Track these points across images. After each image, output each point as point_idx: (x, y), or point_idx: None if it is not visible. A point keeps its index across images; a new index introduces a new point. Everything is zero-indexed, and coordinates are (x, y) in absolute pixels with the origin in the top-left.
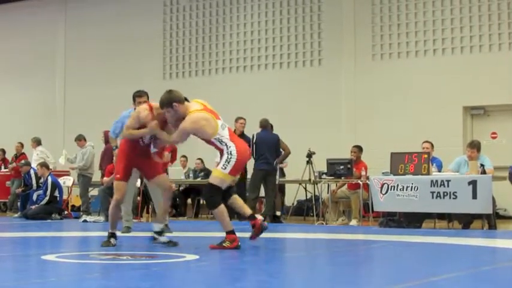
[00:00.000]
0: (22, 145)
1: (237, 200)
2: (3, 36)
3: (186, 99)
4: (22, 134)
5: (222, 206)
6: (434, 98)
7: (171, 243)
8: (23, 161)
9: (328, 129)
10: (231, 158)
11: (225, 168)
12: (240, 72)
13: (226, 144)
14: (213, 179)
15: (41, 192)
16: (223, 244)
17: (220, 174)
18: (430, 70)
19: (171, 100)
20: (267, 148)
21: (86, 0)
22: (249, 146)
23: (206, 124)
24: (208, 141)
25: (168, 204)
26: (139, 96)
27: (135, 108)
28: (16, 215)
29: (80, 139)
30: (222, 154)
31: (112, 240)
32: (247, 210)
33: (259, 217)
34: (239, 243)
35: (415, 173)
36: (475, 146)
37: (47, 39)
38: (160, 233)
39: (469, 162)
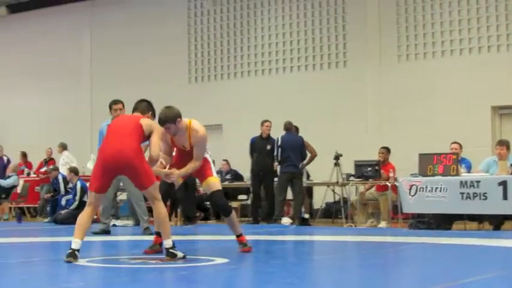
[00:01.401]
0: (52, 150)
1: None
2: (30, 41)
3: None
4: (48, 138)
5: (234, 212)
6: (462, 98)
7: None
8: (51, 167)
9: (355, 131)
10: (212, 165)
11: (216, 174)
12: (265, 75)
13: (208, 152)
14: (218, 185)
15: (70, 197)
16: (247, 245)
17: (218, 179)
18: (456, 70)
19: (176, 116)
20: (292, 151)
21: (111, 5)
22: (275, 149)
23: None
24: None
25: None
26: (115, 103)
27: (113, 117)
28: (46, 220)
29: None
30: (203, 162)
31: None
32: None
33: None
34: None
35: (444, 174)
36: (504, 144)
37: (73, 43)
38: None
39: (498, 162)
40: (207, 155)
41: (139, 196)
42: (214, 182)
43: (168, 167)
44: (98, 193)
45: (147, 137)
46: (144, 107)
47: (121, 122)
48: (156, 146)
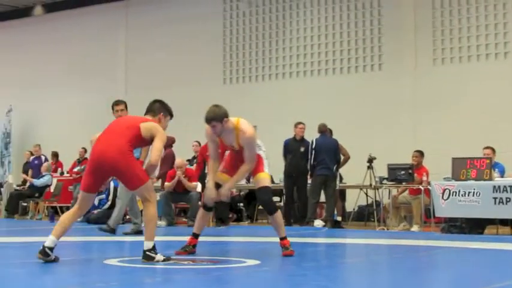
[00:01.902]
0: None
1: (208, 215)
2: (65, 40)
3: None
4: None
5: (280, 211)
6: (496, 102)
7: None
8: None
9: (388, 134)
10: (265, 162)
11: (268, 170)
12: (300, 77)
13: (261, 149)
14: (267, 181)
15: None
16: (290, 249)
17: (269, 176)
18: (491, 74)
19: (223, 115)
20: (327, 153)
21: (146, 4)
22: (309, 151)
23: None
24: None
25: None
26: (117, 104)
27: (116, 118)
28: (78, 220)
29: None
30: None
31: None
32: (200, 229)
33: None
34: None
35: (477, 179)
36: None
37: (107, 43)
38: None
39: None
40: (260, 152)
41: (130, 199)
42: (263, 178)
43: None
44: (86, 192)
45: (148, 141)
46: (156, 108)
47: (117, 122)
48: (156, 151)
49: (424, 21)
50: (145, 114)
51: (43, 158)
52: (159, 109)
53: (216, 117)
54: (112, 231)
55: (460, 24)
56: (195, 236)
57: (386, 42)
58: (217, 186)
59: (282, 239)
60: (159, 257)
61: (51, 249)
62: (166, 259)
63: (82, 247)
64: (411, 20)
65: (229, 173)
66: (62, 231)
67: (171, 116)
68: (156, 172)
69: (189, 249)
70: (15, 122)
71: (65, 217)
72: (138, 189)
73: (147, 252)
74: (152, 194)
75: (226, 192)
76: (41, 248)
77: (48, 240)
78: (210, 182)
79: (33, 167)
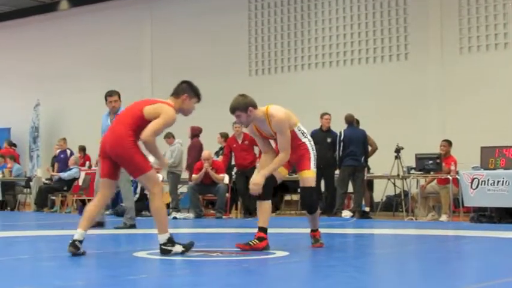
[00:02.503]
0: None
1: (267, 204)
2: (91, 34)
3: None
4: None
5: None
6: None
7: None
8: None
9: (416, 124)
10: (311, 156)
11: (315, 166)
12: (326, 68)
13: (307, 137)
14: (312, 181)
15: (131, 188)
16: (320, 241)
17: (314, 174)
18: None
19: (248, 104)
20: (355, 144)
21: None
22: (337, 143)
23: (287, 110)
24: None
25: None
26: (110, 95)
27: (109, 109)
28: (107, 212)
29: (169, 137)
30: (301, 150)
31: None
32: (265, 222)
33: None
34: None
35: (506, 168)
36: None
37: (134, 36)
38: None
39: None
40: (305, 140)
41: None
42: (307, 178)
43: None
44: (103, 178)
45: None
46: (181, 88)
47: (125, 109)
48: (148, 130)
49: (450, 9)
50: (170, 96)
51: (68, 152)
52: (184, 90)
53: (239, 106)
54: (132, 227)
55: (487, 11)
56: (260, 229)
57: (412, 31)
58: (241, 174)
59: (313, 230)
60: (176, 248)
61: (80, 242)
62: (188, 246)
63: (111, 240)
64: (437, 9)
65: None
66: (88, 223)
67: (198, 98)
68: (151, 158)
69: (254, 243)
70: (42, 116)
71: (89, 208)
72: (138, 178)
73: (163, 246)
74: (155, 185)
75: (260, 179)
76: (71, 241)
77: (77, 234)
78: (256, 174)
79: (59, 160)
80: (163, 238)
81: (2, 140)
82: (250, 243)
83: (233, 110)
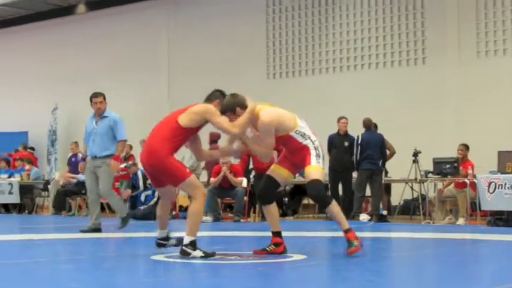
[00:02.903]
0: (131, 147)
1: (273, 208)
2: (109, 38)
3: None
4: (128, 134)
5: (335, 202)
6: None
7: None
8: (130, 162)
9: (433, 128)
10: (318, 153)
11: (318, 162)
12: (343, 72)
13: (310, 138)
14: (315, 174)
15: (149, 192)
16: (354, 244)
17: (318, 168)
18: None
19: (235, 104)
20: (373, 148)
21: (188, 1)
22: (355, 147)
23: (283, 115)
24: (284, 137)
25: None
26: (95, 96)
27: (94, 110)
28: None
29: None
30: (303, 151)
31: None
32: (277, 226)
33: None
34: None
35: None
36: None
37: (151, 40)
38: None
39: None
40: (306, 141)
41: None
42: (309, 172)
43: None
44: (156, 187)
45: (197, 128)
46: (214, 95)
47: (160, 122)
48: (228, 125)
49: (468, 13)
50: (203, 102)
51: (80, 155)
52: (216, 96)
53: (227, 108)
54: (96, 230)
55: (504, 16)
56: (274, 234)
57: (429, 35)
58: (259, 177)
59: (345, 231)
60: (196, 253)
61: (164, 239)
62: (208, 255)
63: (129, 243)
64: (454, 13)
65: (282, 164)
66: (163, 222)
67: None
68: (186, 163)
69: (271, 249)
70: (60, 119)
71: (158, 211)
72: (179, 187)
73: (184, 247)
74: (196, 190)
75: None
76: (156, 241)
77: (158, 233)
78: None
79: (70, 163)
80: (187, 240)
81: (18, 143)
82: (267, 249)
83: (222, 112)
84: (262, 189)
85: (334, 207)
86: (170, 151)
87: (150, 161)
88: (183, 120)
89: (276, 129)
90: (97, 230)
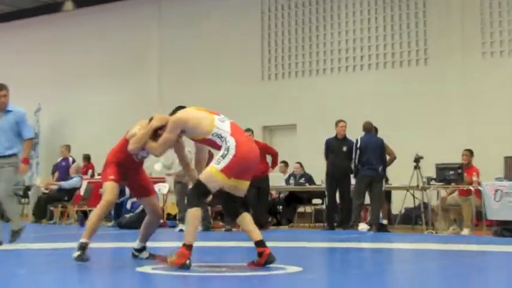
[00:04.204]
0: None
1: (247, 219)
2: (96, 36)
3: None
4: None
5: (198, 211)
6: None
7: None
8: None
9: (436, 132)
10: (227, 153)
11: (218, 163)
12: (342, 73)
13: (225, 139)
14: (201, 175)
15: (135, 200)
16: (169, 259)
17: (211, 169)
18: None
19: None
20: (372, 153)
21: None
22: (353, 151)
23: (196, 116)
24: (206, 140)
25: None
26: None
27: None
28: (109, 224)
29: None
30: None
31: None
32: (256, 235)
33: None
34: (187, 262)
35: None
36: None
37: (140, 38)
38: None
39: None
40: (222, 143)
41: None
42: (203, 172)
43: None
44: None
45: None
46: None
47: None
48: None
49: (472, 12)
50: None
51: (70, 159)
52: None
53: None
54: (17, 236)
55: (510, 15)
56: (257, 244)
57: (431, 35)
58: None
59: (184, 245)
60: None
61: (138, 250)
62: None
63: (114, 253)
64: (458, 12)
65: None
66: (142, 234)
67: None
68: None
69: (256, 261)
70: (43, 122)
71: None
72: (153, 197)
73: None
74: (104, 195)
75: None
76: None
77: (136, 243)
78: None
79: (60, 168)
80: (81, 240)
81: None
82: (255, 261)
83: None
84: (224, 210)
85: (193, 214)
86: (116, 160)
87: None
88: (129, 134)
89: (189, 130)
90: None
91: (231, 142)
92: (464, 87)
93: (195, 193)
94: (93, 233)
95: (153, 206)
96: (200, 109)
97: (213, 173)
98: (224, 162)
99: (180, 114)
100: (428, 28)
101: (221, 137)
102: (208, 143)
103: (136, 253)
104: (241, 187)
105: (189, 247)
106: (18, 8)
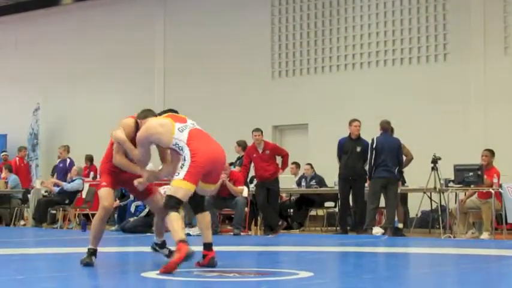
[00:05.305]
0: None
1: (207, 219)
2: (96, 31)
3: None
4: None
5: (175, 214)
6: None
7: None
8: None
9: (455, 132)
10: (184, 163)
11: (178, 174)
12: (356, 70)
13: (182, 149)
14: (168, 190)
15: (139, 203)
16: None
17: (173, 182)
18: None
19: (139, 118)
20: (388, 154)
21: None
22: (369, 151)
23: (160, 130)
24: (171, 150)
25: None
26: None
27: None
28: (113, 228)
29: None
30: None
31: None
32: (206, 238)
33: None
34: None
35: None
36: None
37: (144, 34)
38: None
39: None
40: (182, 153)
41: None
42: (171, 187)
43: None
44: None
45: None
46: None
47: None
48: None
49: (494, 6)
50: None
51: (68, 161)
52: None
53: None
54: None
55: None
56: (205, 246)
57: (452, 30)
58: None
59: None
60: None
61: (159, 245)
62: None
63: (118, 258)
64: (480, 5)
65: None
66: (157, 229)
67: None
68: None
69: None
70: (43, 121)
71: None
72: (156, 194)
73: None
74: (100, 201)
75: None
76: (151, 244)
77: (155, 238)
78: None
79: (58, 170)
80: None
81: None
82: (200, 262)
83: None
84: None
85: (171, 216)
86: (108, 169)
87: None
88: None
89: (155, 142)
90: None
91: (186, 152)
92: (485, 85)
93: (168, 206)
94: (98, 240)
95: (157, 203)
96: (167, 117)
97: (177, 183)
98: (183, 171)
99: (142, 130)
100: (448, 22)
101: (179, 146)
102: (175, 152)
103: (157, 248)
104: (208, 189)
105: (182, 241)
106: (15, 1)
